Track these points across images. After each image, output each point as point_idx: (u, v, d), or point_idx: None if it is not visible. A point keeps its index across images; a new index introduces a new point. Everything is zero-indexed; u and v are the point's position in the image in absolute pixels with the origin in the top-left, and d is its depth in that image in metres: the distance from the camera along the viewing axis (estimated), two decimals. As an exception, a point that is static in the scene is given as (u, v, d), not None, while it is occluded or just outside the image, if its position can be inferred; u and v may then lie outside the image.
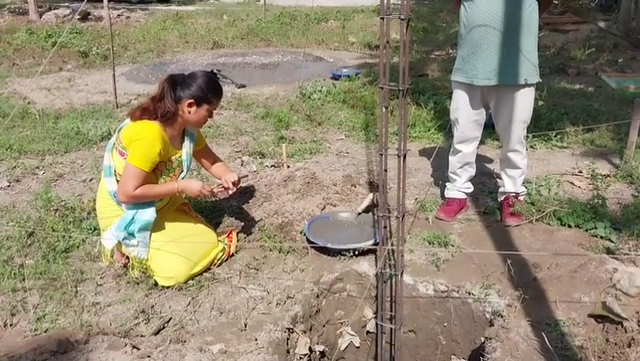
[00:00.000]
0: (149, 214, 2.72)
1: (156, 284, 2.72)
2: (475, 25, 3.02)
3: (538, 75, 3.10)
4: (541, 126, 4.96)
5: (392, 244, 2.80)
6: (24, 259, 2.95)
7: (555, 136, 4.81)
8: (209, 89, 2.76)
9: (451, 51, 9.35)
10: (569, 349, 2.20)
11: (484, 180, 3.99)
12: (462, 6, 3.11)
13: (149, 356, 2.08)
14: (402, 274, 2.32)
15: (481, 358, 2.25)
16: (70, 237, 3.14)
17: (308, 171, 3.70)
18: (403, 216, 2.25)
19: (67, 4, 17.43)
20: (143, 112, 2.70)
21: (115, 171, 2.75)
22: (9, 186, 4.01)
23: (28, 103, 6.32)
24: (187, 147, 2.88)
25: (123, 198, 2.66)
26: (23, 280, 2.74)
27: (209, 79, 2.78)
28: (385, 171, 2.31)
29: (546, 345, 2.21)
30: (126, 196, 2.64)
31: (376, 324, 2.81)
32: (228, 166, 3.23)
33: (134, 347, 2.11)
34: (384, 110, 2.21)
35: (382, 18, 2.02)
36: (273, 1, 17.40)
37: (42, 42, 10.21)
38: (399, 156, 2.18)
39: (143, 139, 2.62)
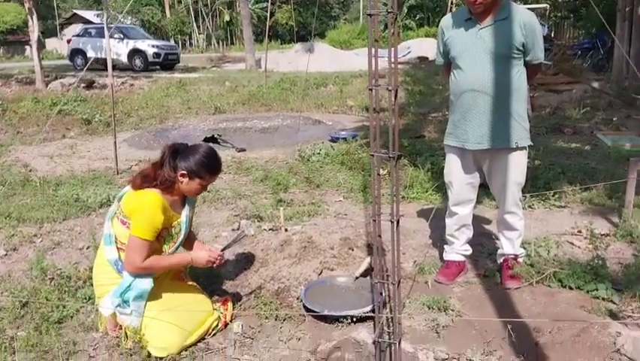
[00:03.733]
0: (146, 283, 2.70)
1: (149, 355, 2.66)
2: (464, 91, 3.08)
3: (529, 138, 3.14)
4: (538, 186, 4.98)
5: (389, 311, 2.75)
6: (16, 331, 2.90)
7: (553, 196, 4.81)
8: (204, 166, 2.76)
9: (447, 112, 9.48)
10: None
11: (483, 240, 3.96)
12: (452, 73, 3.19)
13: None
14: (399, 342, 2.26)
15: None
16: (64, 307, 3.10)
17: (305, 235, 3.68)
18: (399, 282, 2.23)
19: (73, 73, 17.95)
20: (144, 179, 2.72)
21: (116, 239, 2.75)
22: (6, 255, 3.99)
23: (30, 171, 6.39)
24: (187, 210, 2.89)
25: (131, 269, 2.67)
26: (14, 353, 2.68)
27: (207, 155, 2.79)
28: (379, 236, 2.30)
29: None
30: (135, 268, 2.66)
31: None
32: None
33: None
34: (376, 176, 2.23)
35: (371, 89, 2.08)
36: (273, 67, 17.90)
37: (47, 110, 10.41)
38: (392, 222, 2.18)
39: (144, 210, 2.64)
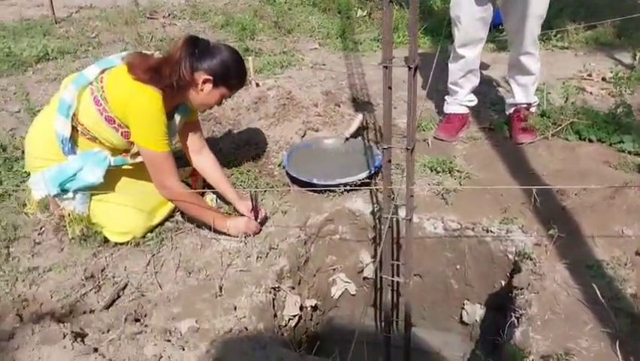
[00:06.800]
0: (95, 176, 2.14)
1: (107, 240, 2.22)
2: None
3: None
4: (538, 25, 4.40)
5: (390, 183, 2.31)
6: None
7: (555, 35, 4.28)
8: (235, 70, 2.12)
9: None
10: (621, 299, 1.79)
11: (484, 89, 3.48)
12: None
13: (95, 351, 1.59)
14: (411, 220, 1.85)
15: (513, 314, 1.85)
16: (0, 182, 2.59)
17: (282, 90, 3.13)
18: (414, 147, 1.75)
19: None
20: (154, 75, 2.02)
21: (75, 115, 2.13)
22: None
23: (-51, 22, 5.46)
24: (176, 122, 2.26)
25: (168, 195, 2.16)
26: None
27: (237, 58, 2.14)
28: (390, 88, 1.78)
29: (592, 295, 1.80)
30: (171, 194, 2.15)
31: (377, 276, 2.41)
32: (219, 167, 2.43)
33: (76, 336, 1.62)
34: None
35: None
36: None
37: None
38: (409, 68, 1.66)
39: (150, 114, 2.02)
